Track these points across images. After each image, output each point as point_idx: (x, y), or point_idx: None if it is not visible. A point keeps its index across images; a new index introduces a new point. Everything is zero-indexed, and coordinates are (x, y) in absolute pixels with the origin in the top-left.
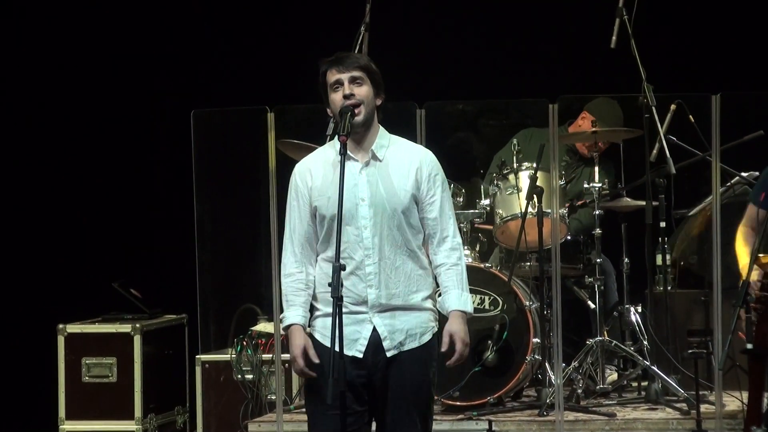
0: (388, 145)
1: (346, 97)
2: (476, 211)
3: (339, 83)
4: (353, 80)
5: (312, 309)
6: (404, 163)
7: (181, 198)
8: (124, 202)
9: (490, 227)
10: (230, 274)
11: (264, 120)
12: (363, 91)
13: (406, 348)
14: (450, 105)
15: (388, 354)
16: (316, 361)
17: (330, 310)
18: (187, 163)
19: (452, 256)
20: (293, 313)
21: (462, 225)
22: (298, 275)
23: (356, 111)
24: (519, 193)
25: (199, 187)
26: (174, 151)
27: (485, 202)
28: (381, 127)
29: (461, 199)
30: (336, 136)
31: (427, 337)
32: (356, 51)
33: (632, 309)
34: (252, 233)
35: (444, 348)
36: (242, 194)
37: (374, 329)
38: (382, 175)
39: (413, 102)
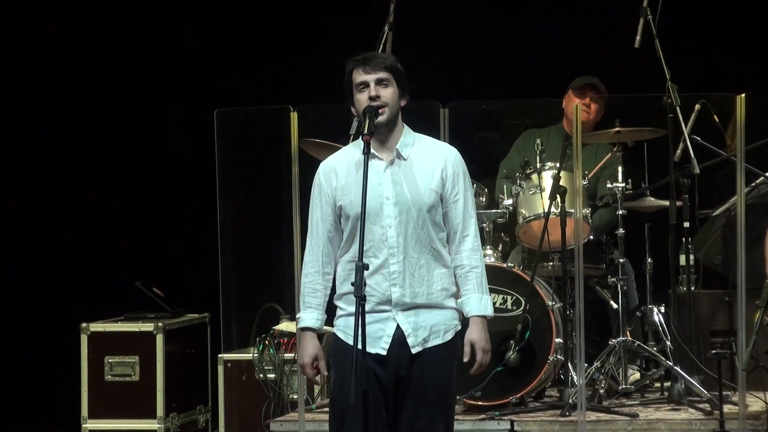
0: (413, 143)
1: (371, 98)
2: (499, 210)
3: (365, 84)
4: (379, 82)
5: (335, 308)
6: (429, 162)
7: (204, 197)
8: (148, 201)
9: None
10: (253, 274)
11: (287, 119)
12: (388, 93)
13: (430, 344)
14: (473, 104)
15: (413, 351)
16: (325, 373)
17: (354, 309)
18: (211, 162)
19: (473, 258)
20: (308, 316)
21: (484, 225)
22: (316, 275)
23: (380, 111)
24: (542, 192)
25: (222, 187)
26: (197, 150)
27: (508, 201)
28: (405, 126)
29: (484, 199)
30: (360, 136)
31: (450, 335)
32: (380, 50)
33: (655, 309)
34: (275, 232)
35: (466, 358)
36: (265, 193)
37: (398, 326)
38: (406, 173)
39: (437, 101)
